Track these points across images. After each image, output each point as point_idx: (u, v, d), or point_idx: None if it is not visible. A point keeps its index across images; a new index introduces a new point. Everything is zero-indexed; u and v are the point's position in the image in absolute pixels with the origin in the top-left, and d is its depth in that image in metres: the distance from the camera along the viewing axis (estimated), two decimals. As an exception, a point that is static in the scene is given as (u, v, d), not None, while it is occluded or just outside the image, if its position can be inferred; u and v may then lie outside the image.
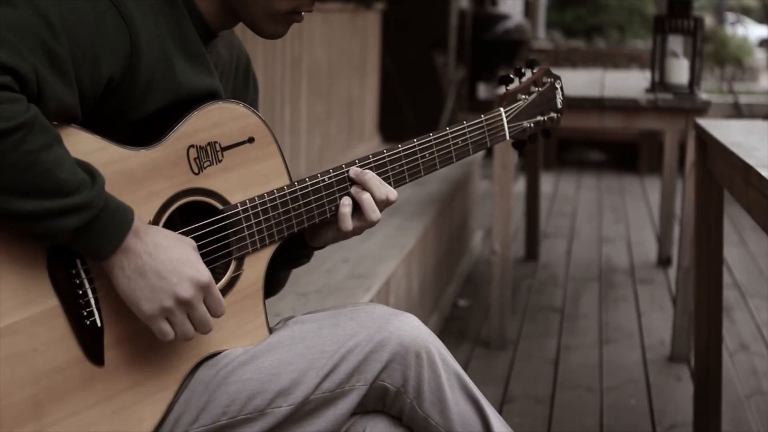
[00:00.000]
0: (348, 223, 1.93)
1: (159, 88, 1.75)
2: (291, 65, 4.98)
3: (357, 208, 1.95)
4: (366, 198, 1.94)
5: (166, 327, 1.69)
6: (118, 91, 1.70)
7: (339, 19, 5.77)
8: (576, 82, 5.21)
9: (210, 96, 1.83)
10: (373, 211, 1.94)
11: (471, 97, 9.80)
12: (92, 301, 1.68)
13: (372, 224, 1.96)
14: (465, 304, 5.29)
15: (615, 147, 10.34)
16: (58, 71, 1.59)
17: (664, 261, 6.15)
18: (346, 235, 1.97)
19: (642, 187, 9.14)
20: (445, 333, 4.75)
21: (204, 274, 1.70)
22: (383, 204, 1.96)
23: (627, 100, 4.50)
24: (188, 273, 1.68)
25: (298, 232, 1.91)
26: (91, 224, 1.59)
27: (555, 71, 2.30)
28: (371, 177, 1.95)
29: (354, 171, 1.95)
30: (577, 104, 4.43)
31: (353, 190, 1.94)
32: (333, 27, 5.65)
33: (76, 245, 1.62)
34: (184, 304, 1.69)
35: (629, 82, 5.43)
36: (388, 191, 1.96)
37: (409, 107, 7.86)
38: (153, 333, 1.72)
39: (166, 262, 1.67)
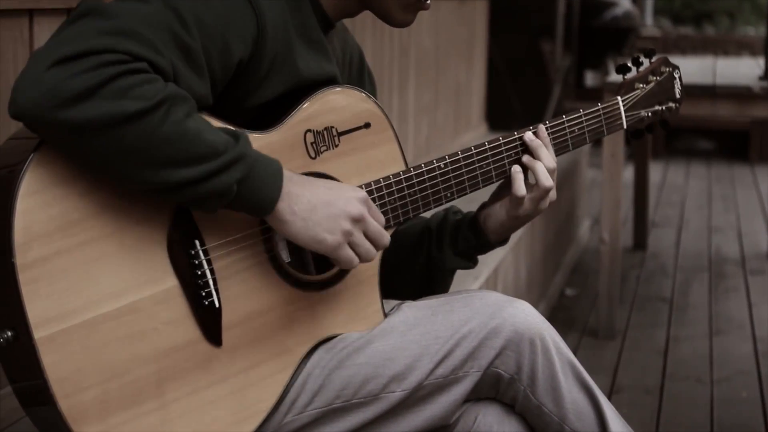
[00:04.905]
0: (521, 188, 1.95)
1: (280, 73, 1.77)
2: (399, 54, 4.99)
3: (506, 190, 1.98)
4: (537, 164, 1.96)
5: (350, 253, 1.74)
6: (242, 75, 1.73)
7: (447, 6, 5.76)
8: (687, 69, 5.12)
9: (328, 82, 1.85)
10: (546, 178, 1.95)
11: (578, 85, 9.70)
12: (210, 282, 1.70)
13: (545, 191, 1.96)
14: (572, 293, 5.26)
15: (725, 135, 10.16)
16: (192, 64, 1.62)
17: (776, 251, 6.04)
18: (517, 217, 1.98)
19: (753, 176, 8.97)
20: (552, 322, 4.66)
21: (357, 189, 1.76)
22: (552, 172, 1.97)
23: (740, 87, 4.43)
24: (348, 193, 1.74)
25: (414, 217, 1.92)
26: (251, 175, 1.63)
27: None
28: (541, 145, 1.97)
29: (529, 136, 1.98)
30: (688, 92, 4.33)
31: (525, 158, 1.97)
32: (440, 15, 5.64)
33: (240, 201, 1.64)
34: (359, 221, 1.74)
35: (741, 70, 5.34)
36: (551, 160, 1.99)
37: (515, 95, 7.81)
38: (271, 315, 1.75)
39: (326, 192, 1.72)
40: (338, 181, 1.84)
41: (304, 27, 1.82)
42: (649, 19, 14.52)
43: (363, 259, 1.76)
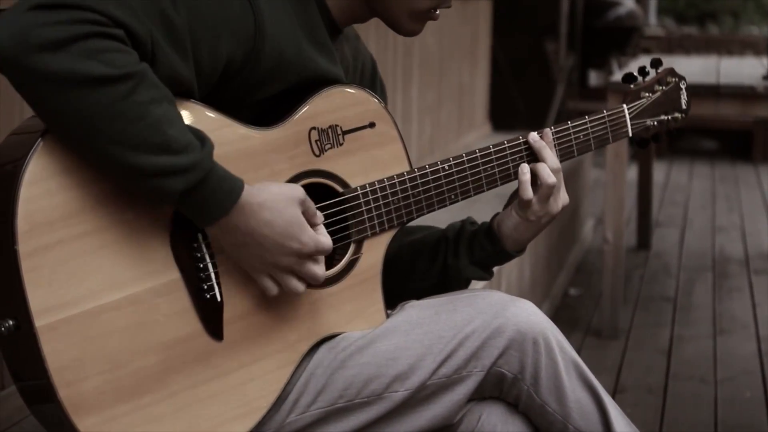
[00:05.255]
0: (528, 191, 1.94)
1: (286, 70, 1.77)
2: (403, 54, 4.99)
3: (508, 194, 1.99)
4: (540, 165, 1.96)
5: (269, 283, 1.72)
6: (241, 72, 1.72)
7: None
8: (690, 68, 5.13)
9: (333, 82, 1.84)
10: (548, 176, 1.95)
11: (582, 84, 9.71)
12: (212, 276, 1.71)
13: (549, 188, 1.95)
14: (576, 293, 5.26)
15: (728, 135, 10.16)
16: (175, 43, 1.61)
17: (779, 251, 6.04)
18: (528, 219, 1.97)
19: (757, 175, 8.97)
20: (556, 322, 4.66)
21: (308, 245, 1.69)
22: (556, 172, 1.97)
23: (744, 87, 4.42)
24: (292, 247, 1.69)
25: (417, 216, 1.93)
26: (198, 187, 1.59)
27: (665, 57, 2.27)
28: (544, 145, 1.97)
29: (533, 136, 1.97)
30: (692, 91, 4.36)
31: (529, 159, 1.97)
32: (444, 14, 5.62)
33: (181, 207, 1.62)
34: (287, 270, 1.71)
35: (745, 69, 5.33)
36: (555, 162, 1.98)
37: (519, 95, 7.82)
38: (272, 311, 1.75)
39: (269, 238, 1.67)
40: (342, 179, 1.84)
41: (310, 26, 1.81)
42: (652, 18, 14.52)
43: (286, 291, 1.74)
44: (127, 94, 1.52)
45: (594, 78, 9.79)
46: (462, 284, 2.06)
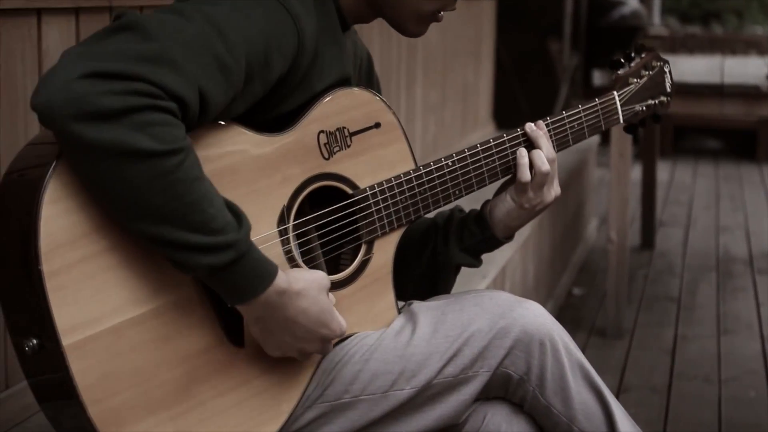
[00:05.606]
0: (526, 173, 1.96)
1: (299, 89, 1.77)
2: (407, 53, 4.98)
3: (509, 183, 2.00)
4: (535, 152, 1.98)
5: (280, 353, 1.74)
6: (277, 87, 1.73)
7: (454, 5, 5.74)
8: (695, 68, 5.14)
9: (342, 82, 1.85)
10: (543, 163, 1.97)
11: (586, 84, 9.70)
12: None
13: (543, 176, 1.97)
14: (580, 292, 5.26)
15: (732, 135, 10.14)
16: (228, 82, 1.60)
17: (783, 251, 6.03)
18: (521, 206, 1.98)
19: (761, 175, 8.96)
20: (560, 321, 4.67)
21: (336, 331, 1.73)
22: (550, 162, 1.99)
23: (748, 86, 4.43)
24: (322, 333, 1.71)
25: (425, 213, 1.94)
26: (230, 267, 1.58)
27: (669, 57, 2.29)
28: (541, 135, 1.99)
29: (530, 126, 2.00)
30: (696, 91, 4.37)
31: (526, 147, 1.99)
32: (448, 14, 5.62)
33: (210, 282, 1.62)
34: (309, 351, 1.74)
35: (749, 69, 5.33)
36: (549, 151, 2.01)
37: (523, 94, 7.81)
38: None
39: (302, 326, 1.69)
40: (351, 181, 1.85)
41: (331, 30, 1.82)
42: (656, 18, 14.50)
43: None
44: (171, 170, 1.52)
45: (598, 77, 9.78)
46: (452, 271, 2.07)
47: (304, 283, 1.68)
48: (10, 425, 2.41)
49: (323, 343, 1.73)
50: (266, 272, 1.62)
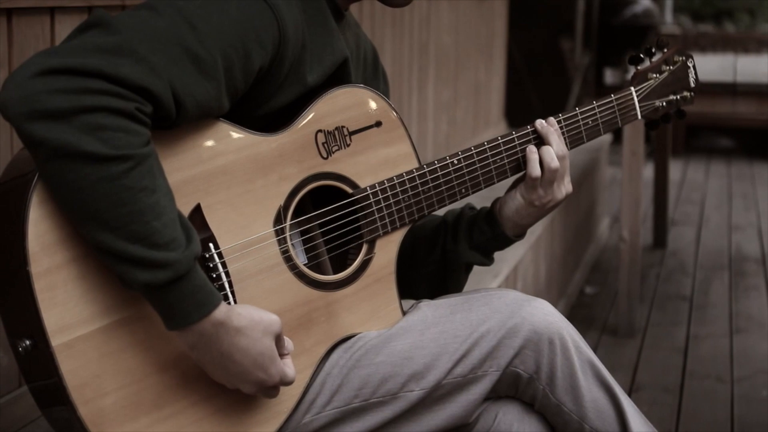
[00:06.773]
0: (536, 168, 1.94)
1: (292, 81, 1.76)
2: (419, 51, 4.98)
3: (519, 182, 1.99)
4: (545, 148, 1.96)
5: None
6: (262, 81, 1.72)
7: (466, 4, 5.75)
8: (707, 67, 5.13)
9: (340, 67, 1.84)
10: (552, 159, 1.95)
11: (598, 82, 9.69)
12: (226, 285, 1.70)
13: (552, 173, 1.95)
14: (592, 291, 5.25)
15: (745, 133, 10.10)
16: (203, 74, 1.59)
17: (796, 250, 6.02)
18: (531, 203, 1.97)
19: (773, 174, 8.94)
20: (572, 320, 4.66)
21: (273, 377, 1.66)
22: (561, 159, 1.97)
23: (761, 85, 4.42)
24: (258, 377, 1.65)
25: (429, 213, 1.93)
26: (167, 287, 1.53)
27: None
28: (551, 131, 1.98)
29: (540, 122, 1.98)
30: (708, 90, 4.36)
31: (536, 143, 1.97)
32: (460, 12, 5.64)
33: (148, 300, 1.57)
34: (250, 391, 1.68)
35: (762, 68, 5.34)
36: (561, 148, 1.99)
37: (535, 93, 7.81)
38: (287, 316, 1.75)
39: (238, 364, 1.63)
40: (351, 180, 1.84)
41: (319, 16, 1.81)
42: (668, 16, 14.47)
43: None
44: (117, 176, 1.49)
45: (610, 76, 9.77)
46: (462, 270, 2.06)
47: (247, 322, 1.62)
48: (26, 422, 2.41)
49: (259, 386, 1.66)
50: (206, 300, 1.57)
